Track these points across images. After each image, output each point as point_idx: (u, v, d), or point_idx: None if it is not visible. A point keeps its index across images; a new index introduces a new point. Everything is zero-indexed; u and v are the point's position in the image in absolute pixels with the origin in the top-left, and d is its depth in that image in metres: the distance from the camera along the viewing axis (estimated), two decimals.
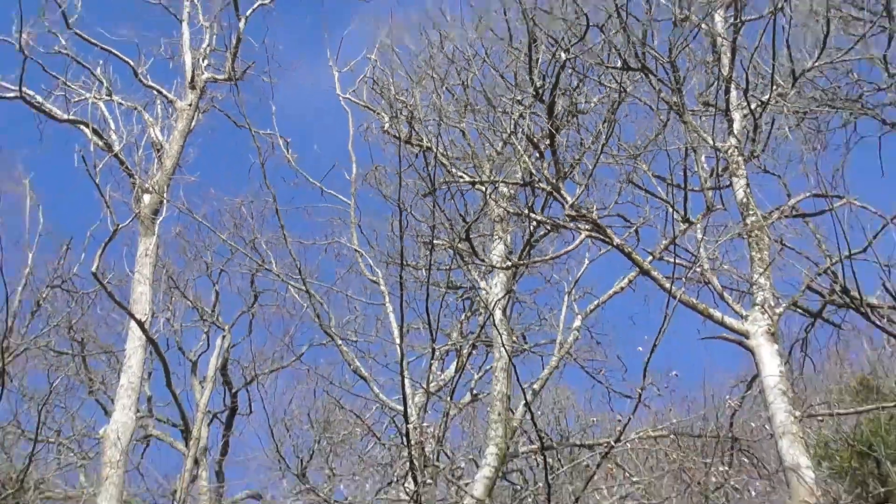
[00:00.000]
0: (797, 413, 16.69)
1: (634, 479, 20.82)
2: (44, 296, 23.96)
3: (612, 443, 17.72)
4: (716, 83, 18.88)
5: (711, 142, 18.35)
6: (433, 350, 19.29)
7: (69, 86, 18.97)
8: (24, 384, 25.51)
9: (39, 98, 18.45)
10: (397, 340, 18.14)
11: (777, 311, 17.39)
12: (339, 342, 20.85)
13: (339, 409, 23.84)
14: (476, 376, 22.22)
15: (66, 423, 26.31)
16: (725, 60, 18.57)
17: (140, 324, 16.87)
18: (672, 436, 21.80)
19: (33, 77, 18.72)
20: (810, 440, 19.37)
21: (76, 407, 26.92)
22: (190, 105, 18.50)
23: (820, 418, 21.48)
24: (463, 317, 22.15)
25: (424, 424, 18.61)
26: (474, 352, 21.53)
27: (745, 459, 21.05)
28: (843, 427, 23.51)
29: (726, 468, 20.52)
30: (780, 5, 18.32)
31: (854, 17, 19.40)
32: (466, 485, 18.78)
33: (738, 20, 18.47)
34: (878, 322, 19.05)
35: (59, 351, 25.00)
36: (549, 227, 20.42)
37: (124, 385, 17.40)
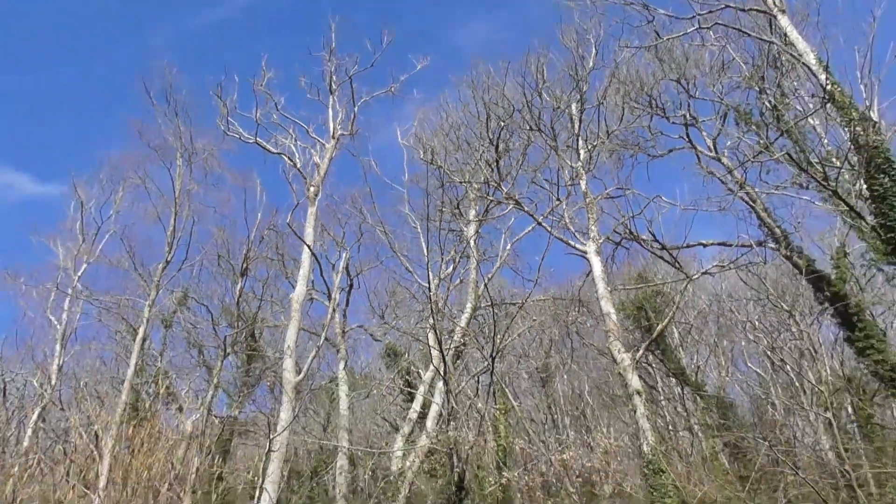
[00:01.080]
0: (609, 287, 18.79)
1: (534, 318, 21.97)
2: (264, 233, 25.28)
3: (523, 302, 19.81)
4: (573, 136, 20.21)
5: (570, 163, 20.46)
6: (441, 258, 21.13)
7: (277, 136, 19.99)
8: (256, 275, 26.94)
9: (263, 142, 19.54)
10: (425, 252, 18.69)
11: (599, 241, 19.37)
12: (399, 255, 22.29)
13: (399, 285, 25.00)
14: (461, 271, 22.97)
15: (277, 290, 27.77)
16: (577, 125, 19.88)
17: (308, 246, 18.05)
18: (552, 298, 23.47)
19: (261, 132, 19.73)
20: (615, 301, 20.80)
21: (280, 284, 28.05)
22: (332, 145, 19.61)
23: (619, 290, 23.37)
24: (457, 243, 22.50)
25: (438, 293, 20.11)
26: (461, 260, 22.72)
27: (586, 310, 22.05)
28: (630, 294, 25.59)
29: (576, 314, 21.80)
30: (601, 101, 20.26)
31: (636, 107, 20.66)
32: (457, 320, 20.78)
33: (582, 107, 19.87)
34: (645, 247, 21.30)
35: (272, 259, 26.19)
36: (496, 202, 21.49)
37: (301, 273, 18.32)
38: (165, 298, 25.22)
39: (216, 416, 22.40)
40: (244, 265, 24.21)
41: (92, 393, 21.78)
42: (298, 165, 19.53)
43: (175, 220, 21.24)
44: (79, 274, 23.72)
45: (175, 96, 22.23)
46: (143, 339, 20.75)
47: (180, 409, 22.39)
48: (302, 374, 17.88)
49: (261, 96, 20.03)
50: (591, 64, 20.03)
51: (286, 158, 19.58)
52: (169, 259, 21.15)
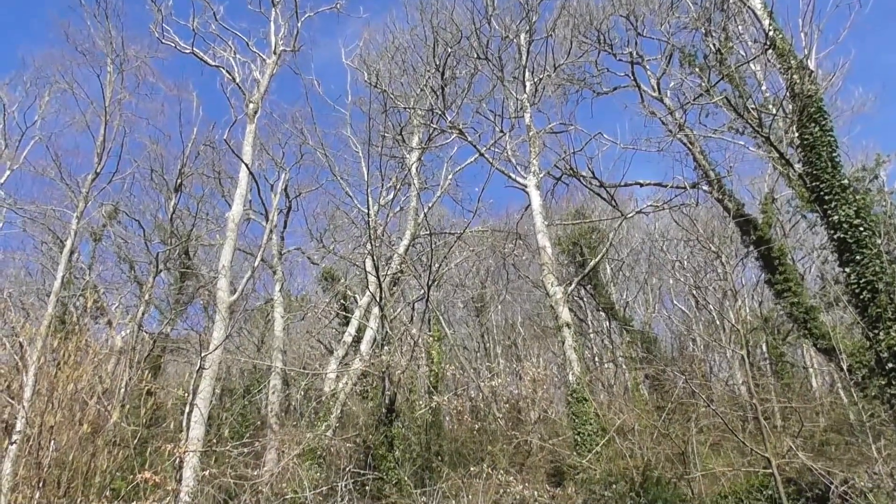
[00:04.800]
0: (546, 222, 19.01)
1: (472, 249, 22.48)
2: (200, 149, 24.24)
3: (462, 232, 19.93)
4: (520, 67, 20.12)
5: (515, 95, 20.36)
6: (382, 184, 20.88)
7: (215, 48, 18.75)
8: (191, 191, 26.02)
9: (200, 53, 18.29)
10: (366, 177, 19.01)
11: (540, 175, 19.58)
12: (339, 179, 21.75)
13: (338, 210, 24.60)
14: (402, 198, 22.63)
15: (213, 208, 26.84)
16: (524, 56, 19.80)
17: (246, 164, 17.13)
18: (490, 230, 23.76)
19: (198, 42, 18.67)
20: (551, 235, 20.84)
21: (216, 202, 27.13)
22: (273, 61, 18.44)
23: (556, 225, 23.78)
24: (398, 169, 22.12)
25: (377, 219, 19.82)
26: (402, 187, 22.28)
27: (522, 242, 22.36)
28: (566, 230, 25.97)
29: (513, 246, 22.49)
30: (550, 33, 20.08)
31: (584, 41, 20.46)
32: (395, 247, 20.78)
33: (531, 39, 19.72)
34: (584, 183, 21.61)
35: (208, 175, 25.16)
36: (439, 131, 21.11)
37: (238, 192, 17.38)
38: (95, 211, 24.06)
39: (147, 332, 21.93)
40: (178, 181, 23.24)
41: (16, 304, 20.95)
42: (237, 80, 18.48)
43: (105, 129, 19.97)
44: (1, 181, 22.25)
45: None
46: (71, 252, 19.88)
47: (109, 323, 21.91)
48: (237, 294, 17.42)
49: (198, 3, 18.68)
50: None
51: (224, 72, 18.50)
52: (98, 170, 20.02)
